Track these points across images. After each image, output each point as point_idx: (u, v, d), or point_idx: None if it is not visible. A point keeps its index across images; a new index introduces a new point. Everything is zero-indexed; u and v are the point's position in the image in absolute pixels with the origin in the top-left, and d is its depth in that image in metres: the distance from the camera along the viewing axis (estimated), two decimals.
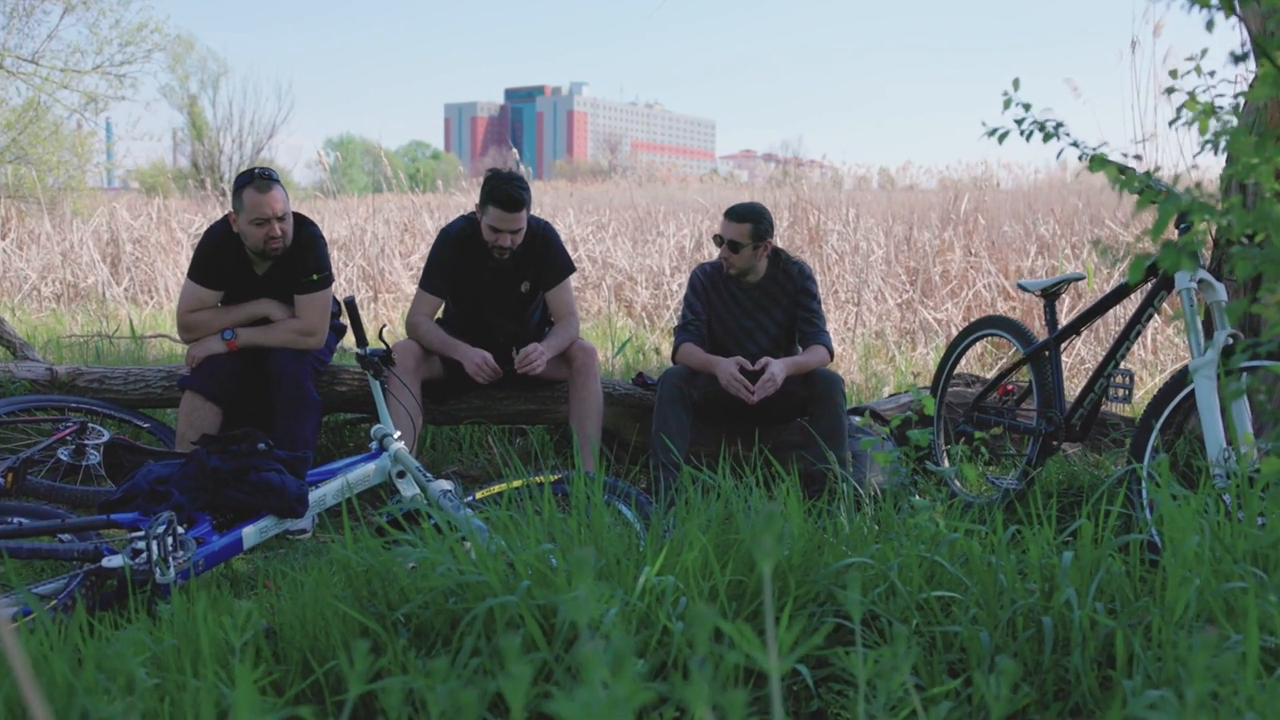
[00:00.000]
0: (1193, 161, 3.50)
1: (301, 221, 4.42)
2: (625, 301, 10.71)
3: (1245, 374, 3.54)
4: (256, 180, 4.26)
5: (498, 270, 4.62)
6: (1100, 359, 7.28)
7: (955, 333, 9.05)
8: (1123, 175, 1.95)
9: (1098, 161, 2.03)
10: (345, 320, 4.88)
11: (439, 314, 4.75)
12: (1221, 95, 2.15)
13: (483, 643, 1.96)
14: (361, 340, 3.71)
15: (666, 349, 8.30)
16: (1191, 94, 2.18)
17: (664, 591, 2.07)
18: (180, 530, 2.90)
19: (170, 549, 2.79)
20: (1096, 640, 2.07)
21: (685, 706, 1.77)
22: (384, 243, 12.30)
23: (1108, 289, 7.94)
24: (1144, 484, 3.58)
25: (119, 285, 11.36)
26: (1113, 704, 1.50)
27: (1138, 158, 1.93)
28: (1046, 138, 2.18)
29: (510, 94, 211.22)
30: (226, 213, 4.43)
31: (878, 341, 8.74)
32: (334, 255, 11.98)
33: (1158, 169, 1.93)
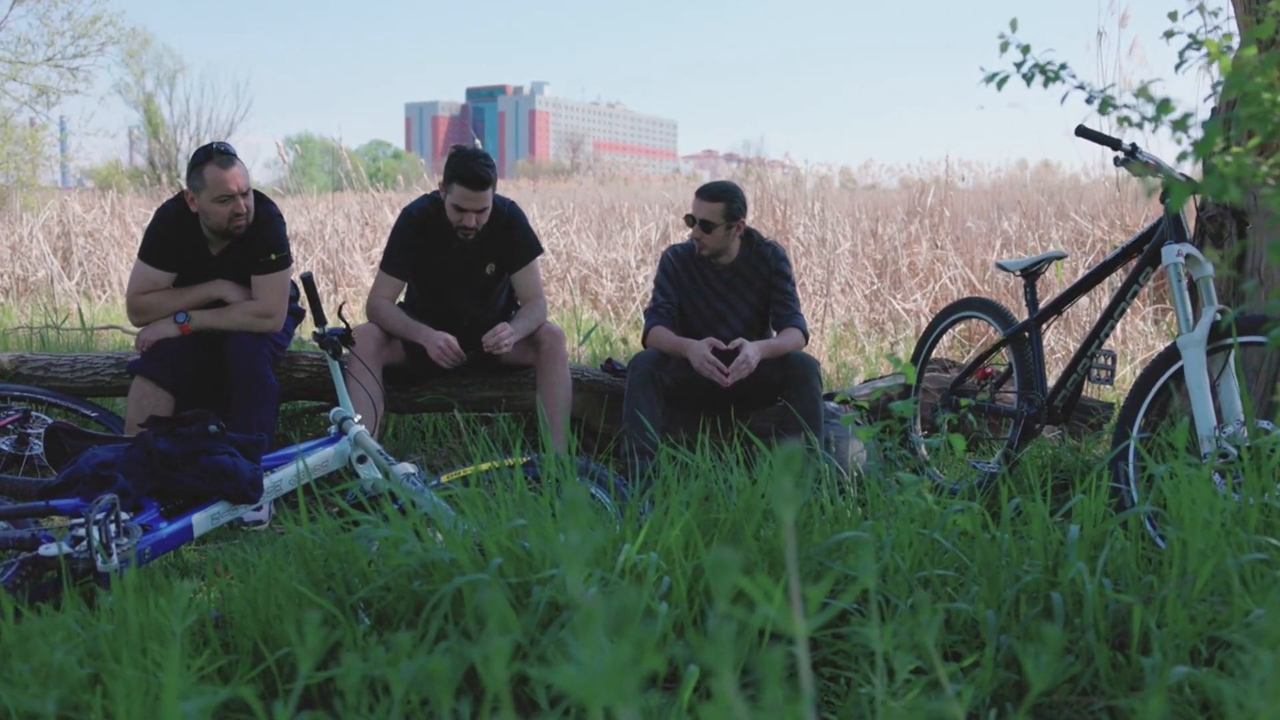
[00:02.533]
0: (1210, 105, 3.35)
1: (259, 199, 4.23)
2: (590, 294, 10.57)
3: (1233, 350, 3.45)
4: (216, 155, 4.07)
5: (462, 251, 4.45)
6: (1069, 346, 7.26)
7: (924, 323, 9.05)
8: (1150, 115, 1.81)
9: (1107, 104, 1.90)
10: (303, 303, 4.70)
11: (400, 297, 4.58)
12: (1230, 34, 2.03)
13: (450, 626, 1.80)
14: (320, 319, 3.53)
15: (633, 339, 8.16)
16: (1194, 36, 2.06)
17: (645, 570, 1.92)
18: (125, 516, 2.72)
19: (112, 535, 2.60)
20: (1107, 618, 1.94)
21: (674, 685, 1.62)
22: (344, 236, 12.09)
23: (1076, 278, 7.89)
24: (1132, 463, 3.48)
25: (70, 279, 11.07)
26: (1156, 683, 1.37)
27: (1150, 99, 1.80)
28: (1048, 81, 2.04)
29: (471, 93, 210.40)
30: (181, 191, 4.23)
31: (846, 332, 8.67)
32: (294, 249, 11.75)
33: (1178, 102, 1.80)
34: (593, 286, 10.65)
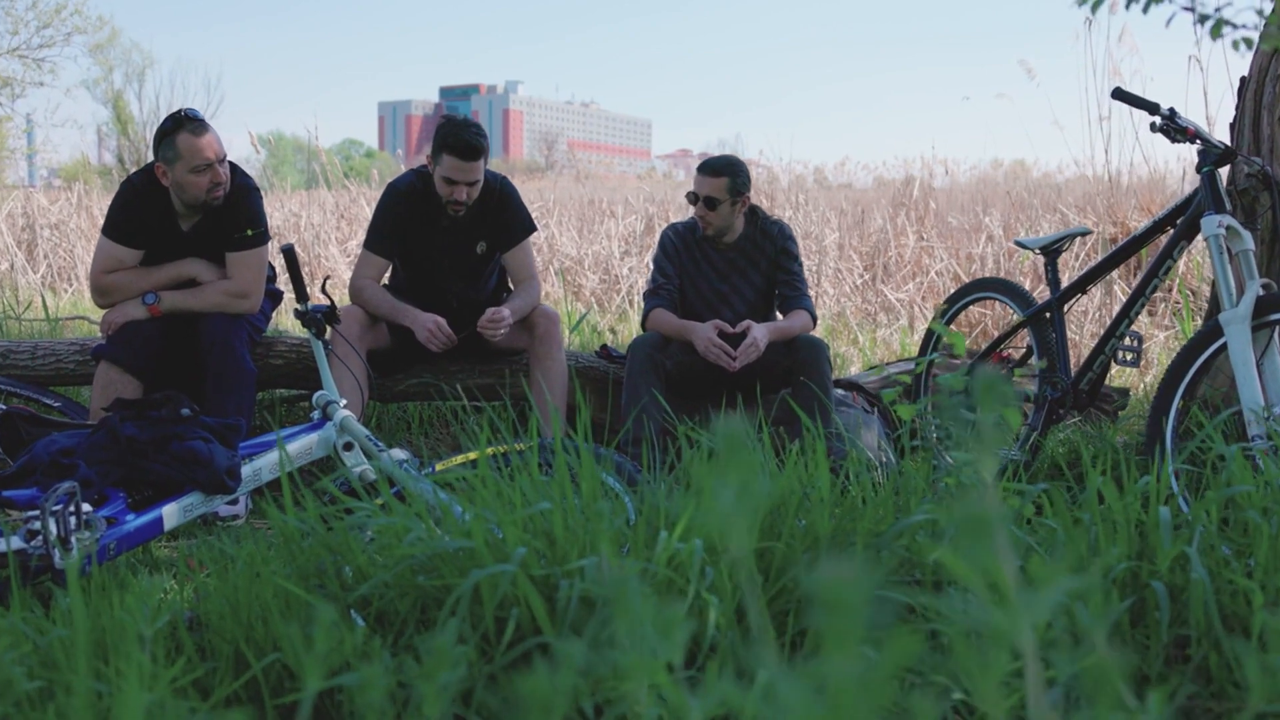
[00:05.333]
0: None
1: (234, 171, 3.94)
2: (574, 287, 10.34)
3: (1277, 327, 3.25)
4: (187, 123, 3.78)
5: (452, 229, 4.19)
6: (1074, 331, 7.06)
7: (917, 313, 8.87)
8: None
9: (1220, 26, 1.66)
10: (281, 284, 4.43)
11: (385, 278, 4.31)
12: None
13: (468, 628, 1.55)
14: (301, 295, 3.26)
15: (621, 330, 7.93)
16: None
17: (686, 559, 1.68)
18: (87, 508, 2.44)
19: (72, 528, 2.33)
20: (1207, 610, 1.71)
21: None
22: (319, 229, 11.81)
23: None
24: (1170, 446, 3.28)
25: (35, 272, 10.73)
26: None
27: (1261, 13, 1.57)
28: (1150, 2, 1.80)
29: (445, 92, 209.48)
30: (150, 164, 3.93)
31: (838, 323, 8.48)
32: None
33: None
34: (576, 279, 10.42)
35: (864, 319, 8.78)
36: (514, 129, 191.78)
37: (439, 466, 2.91)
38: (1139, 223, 8.73)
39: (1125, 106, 3.46)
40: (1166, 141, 3.41)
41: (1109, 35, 12.50)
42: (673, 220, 10.86)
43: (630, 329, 8.01)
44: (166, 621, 1.66)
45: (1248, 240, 3.36)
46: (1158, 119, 3.44)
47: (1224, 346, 3.25)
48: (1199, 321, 6.22)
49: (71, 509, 2.35)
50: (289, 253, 3.19)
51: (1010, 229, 10.23)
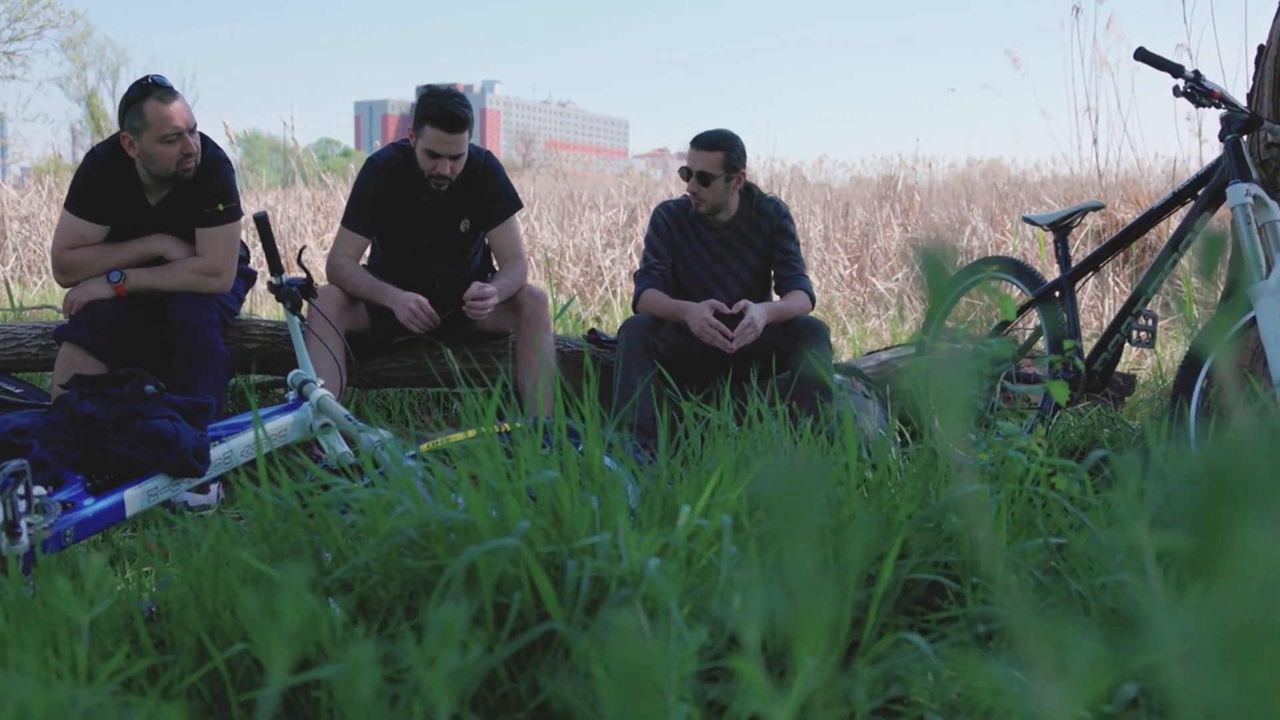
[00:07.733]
0: None
1: (205, 143, 3.72)
2: (555, 279, 10.17)
3: None
4: (155, 90, 3.55)
5: (434, 205, 3.98)
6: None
7: (907, 304, 8.73)
8: None
9: None
10: (255, 264, 4.22)
11: (364, 258, 4.10)
12: None
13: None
14: (276, 267, 3.05)
15: (606, 320, 7.76)
16: None
17: (712, 536, 1.49)
18: (41, 491, 2.23)
19: (21, 512, 2.12)
20: None
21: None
22: (295, 221, 11.59)
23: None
24: (1193, 427, 3.12)
25: (4, 265, 10.46)
26: None
27: None
28: None
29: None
30: (115, 133, 3.71)
31: (827, 315, 8.34)
32: (244, 237, 11.16)
33: None
34: (558, 270, 10.25)
35: (853, 309, 8.65)
36: (491, 128, 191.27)
37: (424, 448, 2.71)
38: (1125, 214, 8.61)
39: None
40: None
41: (1096, 23, 12.40)
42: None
43: (614, 320, 7.83)
44: (117, 609, 1.46)
45: (1275, 211, 3.19)
46: (1181, 82, 3.28)
47: (1251, 322, 3.09)
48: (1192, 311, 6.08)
49: (21, 491, 2.14)
50: (262, 221, 2.98)
51: (996, 222, 10.12)
